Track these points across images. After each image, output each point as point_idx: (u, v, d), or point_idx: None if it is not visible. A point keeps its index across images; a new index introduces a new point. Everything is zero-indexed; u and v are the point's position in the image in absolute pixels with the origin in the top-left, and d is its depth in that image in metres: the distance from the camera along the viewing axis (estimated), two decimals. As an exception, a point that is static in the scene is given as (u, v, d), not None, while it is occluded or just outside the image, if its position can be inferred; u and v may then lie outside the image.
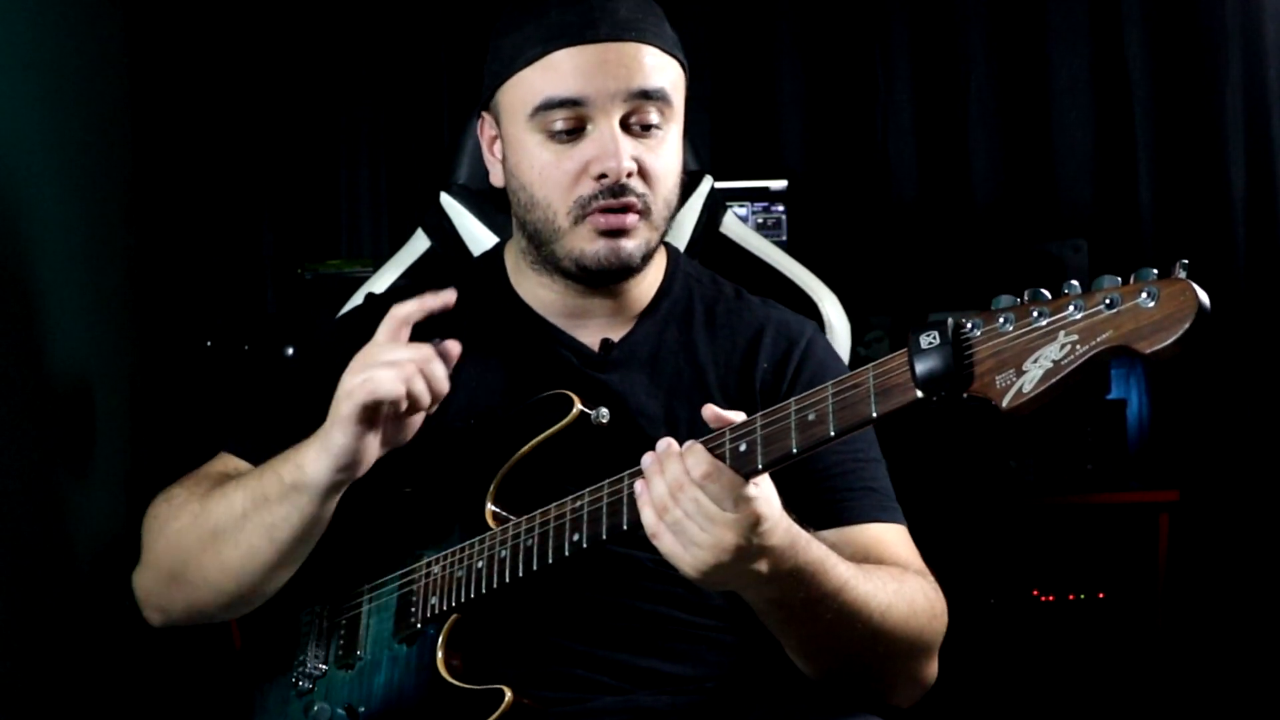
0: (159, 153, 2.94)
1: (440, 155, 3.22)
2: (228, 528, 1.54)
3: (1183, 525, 2.84)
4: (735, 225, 2.10)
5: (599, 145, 1.56)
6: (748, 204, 3.00)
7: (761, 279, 2.01)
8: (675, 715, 1.55)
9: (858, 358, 2.35)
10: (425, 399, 1.48)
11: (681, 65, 1.63)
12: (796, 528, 1.39)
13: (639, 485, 1.36)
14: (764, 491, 1.35)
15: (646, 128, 1.58)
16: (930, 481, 2.81)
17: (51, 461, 2.32)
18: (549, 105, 1.57)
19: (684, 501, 1.33)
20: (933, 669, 1.56)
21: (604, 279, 1.62)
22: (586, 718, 1.54)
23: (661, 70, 1.59)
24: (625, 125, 1.57)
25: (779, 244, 2.20)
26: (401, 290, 1.69)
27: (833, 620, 1.43)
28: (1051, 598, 2.85)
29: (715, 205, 2.08)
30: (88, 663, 2.40)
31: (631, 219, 1.58)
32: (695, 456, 1.33)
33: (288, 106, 3.27)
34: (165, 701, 2.61)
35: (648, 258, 1.63)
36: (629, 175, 1.56)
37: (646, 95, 1.57)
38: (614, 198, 1.57)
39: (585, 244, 1.59)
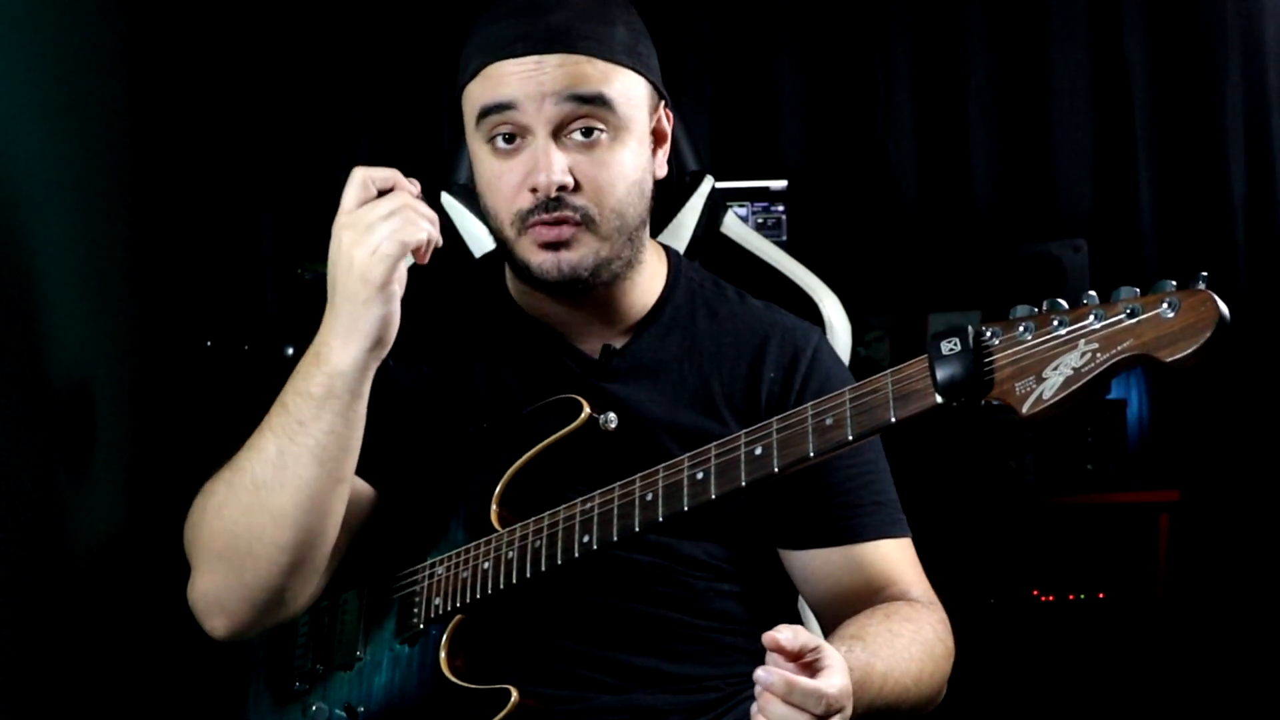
0: (159, 152, 2.94)
1: (440, 155, 3.22)
2: (267, 474, 1.50)
3: (1183, 525, 2.84)
4: (736, 225, 2.10)
5: (531, 158, 1.56)
6: (748, 204, 3.00)
7: (762, 279, 2.01)
8: (674, 714, 1.55)
9: (858, 358, 2.35)
10: (435, 233, 1.49)
11: (641, 75, 1.60)
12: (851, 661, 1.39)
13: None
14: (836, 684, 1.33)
15: (588, 134, 1.56)
16: (931, 482, 2.81)
17: (51, 461, 2.32)
18: (485, 112, 1.57)
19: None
20: (944, 691, 1.60)
21: (559, 290, 1.61)
22: (585, 716, 1.54)
23: (598, 78, 1.56)
24: (564, 136, 1.56)
25: (779, 244, 2.20)
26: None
27: (875, 710, 1.46)
28: (1051, 598, 2.85)
29: (716, 205, 2.08)
30: (86, 662, 2.40)
31: (568, 230, 1.57)
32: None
33: (288, 106, 3.27)
34: (161, 700, 2.61)
35: (603, 268, 1.60)
36: (562, 189, 1.55)
37: (580, 99, 1.54)
38: (547, 212, 1.56)
39: (530, 255, 1.59)
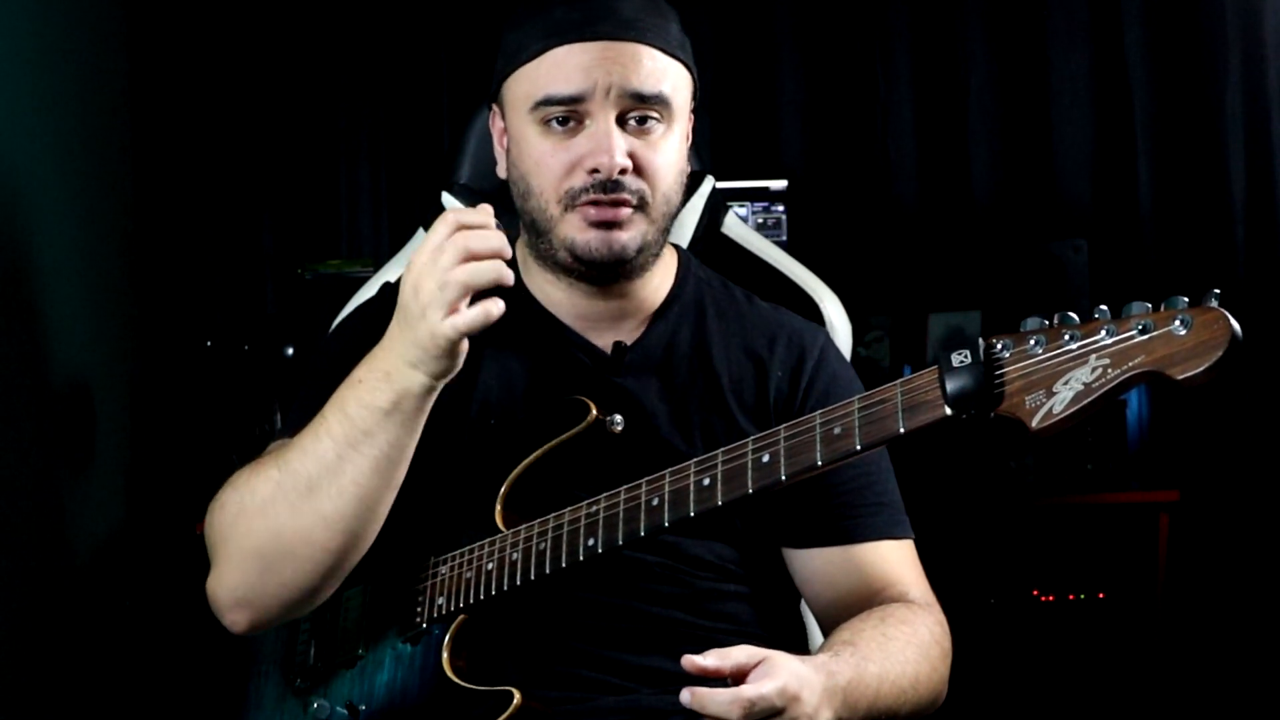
0: (159, 153, 2.95)
1: (440, 155, 3.22)
2: (323, 479, 1.49)
3: (1183, 525, 2.84)
4: (736, 225, 2.10)
5: (594, 140, 1.57)
6: (748, 204, 3.00)
7: (763, 279, 2.01)
8: (676, 715, 1.55)
9: (858, 358, 2.35)
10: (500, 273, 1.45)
11: (687, 67, 1.64)
12: (827, 670, 1.41)
13: None
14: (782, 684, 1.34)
15: (643, 121, 1.59)
16: (931, 482, 2.81)
17: (51, 461, 2.32)
18: (548, 101, 1.58)
19: None
20: (944, 694, 1.59)
21: (600, 271, 1.62)
22: (588, 717, 1.54)
23: (660, 74, 1.59)
24: (623, 121, 1.58)
25: (779, 244, 2.20)
26: None
27: (875, 713, 1.46)
28: (1051, 598, 2.85)
29: (717, 205, 2.08)
30: (86, 661, 2.41)
31: (625, 211, 1.59)
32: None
33: (288, 106, 3.27)
34: (162, 699, 2.61)
35: (645, 251, 1.62)
36: (623, 172, 1.57)
37: (642, 98, 1.58)
38: (604, 193, 1.57)
39: (576, 233, 1.59)
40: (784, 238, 2.98)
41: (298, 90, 3.27)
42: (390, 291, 1.79)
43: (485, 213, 1.47)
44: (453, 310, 1.43)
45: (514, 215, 1.73)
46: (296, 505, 1.50)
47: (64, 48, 2.47)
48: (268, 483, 1.53)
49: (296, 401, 1.72)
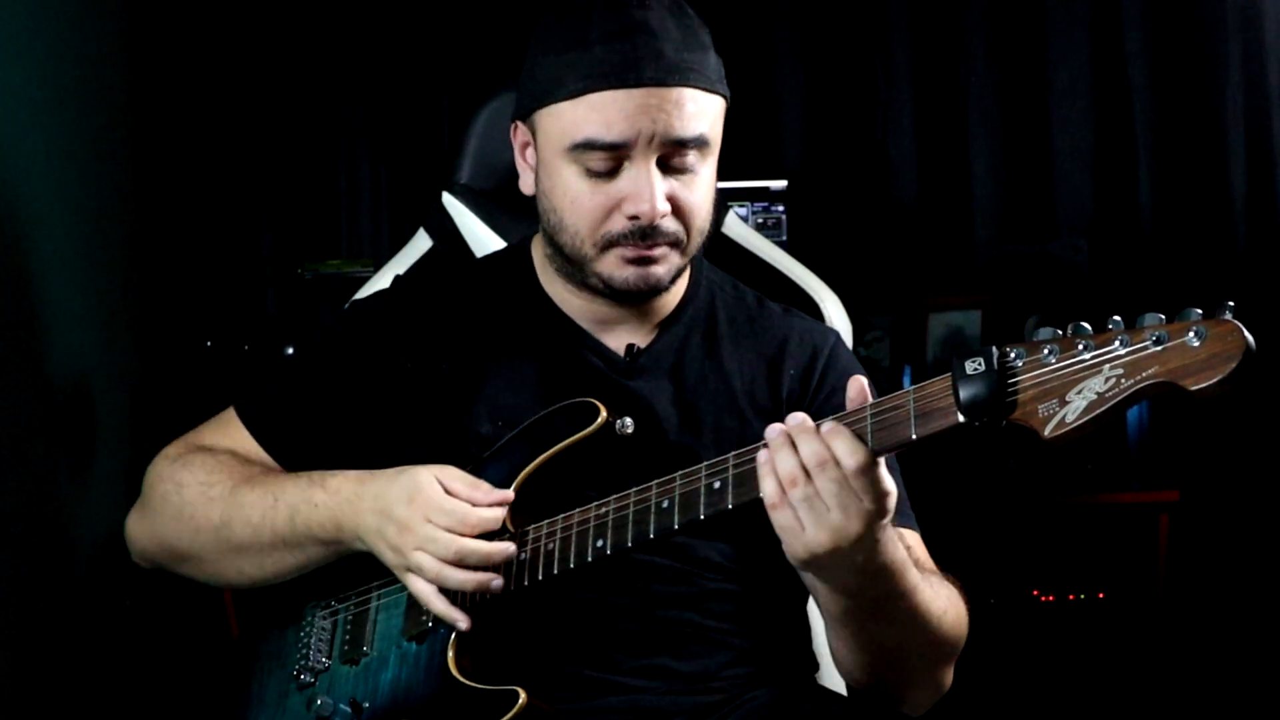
0: (159, 153, 2.94)
1: (440, 155, 3.22)
2: (252, 548, 1.62)
3: (1183, 525, 2.84)
4: (737, 225, 2.10)
5: (634, 185, 1.55)
6: (748, 204, 3.00)
7: (763, 279, 2.01)
8: (679, 715, 1.55)
9: (858, 357, 2.35)
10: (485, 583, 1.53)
11: (724, 97, 1.64)
12: (889, 535, 1.41)
13: (762, 454, 1.36)
14: (892, 486, 1.36)
15: (683, 160, 1.58)
16: (931, 481, 2.80)
17: (51, 461, 2.32)
18: (588, 145, 1.55)
19: (823, 481, 1.33)
20: (951, 676, 1.59)
21: (632, 299, 1.63)
22: (588, 716, 1.54)
23: (702, 115, 1.58)
24: (662, 162, 1.57)
25: (779, 244, 2.20)
26: (421, 278, 1.76)
27: (897, 620, 1.46)
28: (1051, 598, 2.85)
29: (716, 206, 2.08)
30: (87, 660, 2.41)
31: (660, 250, 1.59)
32: (847, 443, 1.33)
33: (287, 106, 3.27)
34: (162, 698, 2.61)
35: (676, 279, 1.63)
36: (662, 216, 1.56)
37: (684, 143, 1.57)
38: (642, 240, 1.57)
39: (614, 270, 1.59)
40: (784, 238, 2.98)
41: (298, 90, 3.27)
42: (400, 286, 1.78)
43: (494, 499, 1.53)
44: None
45: (517, 215, 1.73)
46: (222, 551, 1.64)
47: (64, 48, 2.47)
48: (210, 509, 1.63)
49: (278, 373, 1.77)
